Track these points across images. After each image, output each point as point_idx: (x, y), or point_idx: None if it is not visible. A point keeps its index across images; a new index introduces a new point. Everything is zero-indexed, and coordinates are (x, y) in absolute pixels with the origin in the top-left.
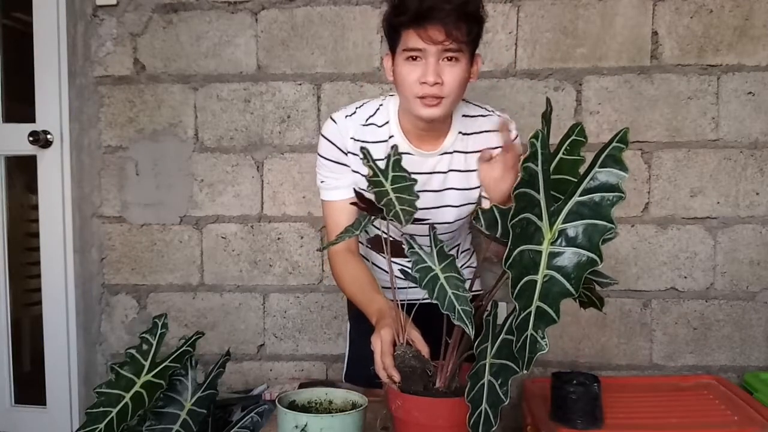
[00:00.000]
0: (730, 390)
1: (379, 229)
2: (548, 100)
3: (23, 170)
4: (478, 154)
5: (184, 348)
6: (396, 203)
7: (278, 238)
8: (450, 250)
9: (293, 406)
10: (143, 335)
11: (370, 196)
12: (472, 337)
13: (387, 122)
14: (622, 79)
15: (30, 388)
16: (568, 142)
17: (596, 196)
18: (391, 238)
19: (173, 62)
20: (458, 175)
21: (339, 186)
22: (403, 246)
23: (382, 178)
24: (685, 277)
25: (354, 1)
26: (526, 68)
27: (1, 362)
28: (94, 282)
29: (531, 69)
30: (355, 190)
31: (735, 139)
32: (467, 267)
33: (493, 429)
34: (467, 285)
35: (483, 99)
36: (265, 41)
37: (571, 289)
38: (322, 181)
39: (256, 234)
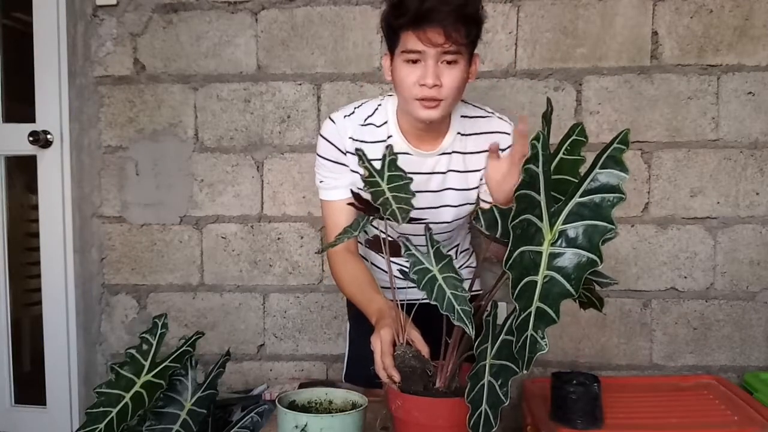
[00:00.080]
0: (730, 390)
1: (377, 228)
2: (549, 101)
3: (23, 170)
4: (483, 155)
5: (184, 348)
6: (392, 202)
7: (278, 238)
8: (449, 250)
9: (293, 406)
10: (143, 335)
11: (368, 196)
12: (473, 336)
13: (385, 122)
14: (622, 79)
15: (30, 388)
16: (568, 142)
17: (597, 197)
18: (389, 238)
19: (173, 62)
20: (457, 175)
21: (338, 186)
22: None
23: (378, 178)
24: (685, 277)
25: (354, 1)
26: (526, 68)
27: (1, 362)
28: (94, 282)
29: (531, 69)
30: (351, 191)
31: (735, 139)
32: (466, 267)
33: (493, 429)
34: (467, 285)
35: (483, 99)
36: (265, 41)
37: (572, 290)
38: (321, 181)
39: (256, 234)
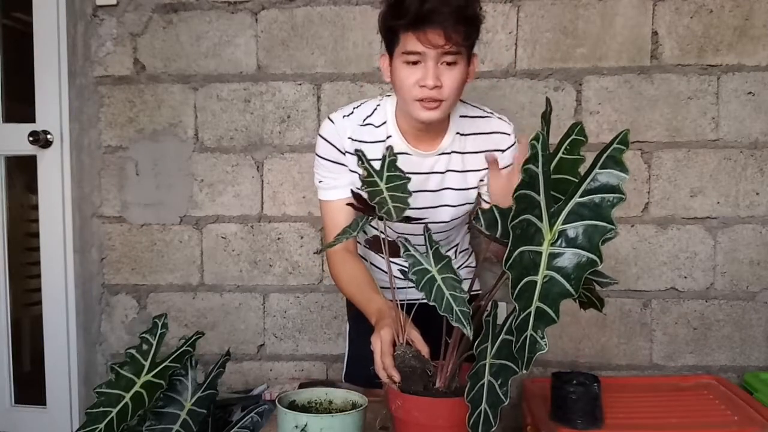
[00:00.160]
0: (730, 390)
1: (377, 229)
2: (548, 100)
3: (23, 170)
4: (481, 155)
5: (184, 348)
6: (389, 201)
7: (278, 238)
8: (448, 250)
9: (293, 406)
10: (143, 335)
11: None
12: (471, 338)
13: (384, 122)
14: (622, 79)
15: (30, 388)
16: (568, 142)
17: (596, 197)
18: (389, 238)
19: (173, 62)
20: (456, 175)
21: (337, 186)
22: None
23: (377, 178)
24: (685, 277)
25: (354, 1)
26: (526, 68)
27: (1, 362)
28: (94, 282)
29: (531, 69)
30: (352, 191)
31: (735, 139)
32: (465, 267)
33: (493, 429)
34: (466, 285)
35: (483, 99)
36: (265, 41)
37: (571, 290)
38: (320, 181)
39: (256, 234)
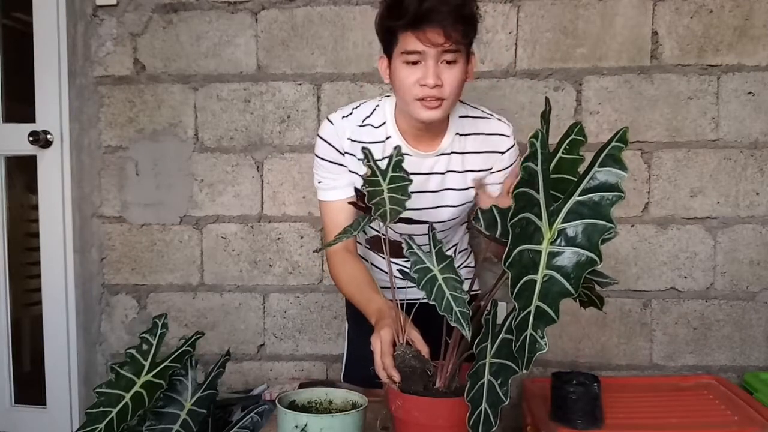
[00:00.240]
0: (730, 390)
1: (376, 230)
2: (547, 100)
3: (23, 170)
4: (481, 155)
5: (184, 348)
6: (387, 202)
7: (278, 238)
8: (447, 250)
9: (293, 406)
10: (143, 335)
11: None
12: (469, 339)
13: (384, 123)
14: (622, 79)
15: (30, 388)
16: (567, 142)
17: (595, 196)
18: (390, 238)
19: (173, 62)
20: (456, 175)
21: (336, 186)
22: (403, 246)
23: (380, 178)
24: (685, 277)
25: (354, 1)
26: (526, 68)
27: (1, 362)
28: (94, 282)
29: (531, 69)
30: (355, 188)
31: (735, 139)
32: (465, 267)
33: (493, 429)
34: (466, 285)
35: (483, 99)
36: (265, 41)
37: (571, 289)
38: (319, 182)
39: (256, 234)
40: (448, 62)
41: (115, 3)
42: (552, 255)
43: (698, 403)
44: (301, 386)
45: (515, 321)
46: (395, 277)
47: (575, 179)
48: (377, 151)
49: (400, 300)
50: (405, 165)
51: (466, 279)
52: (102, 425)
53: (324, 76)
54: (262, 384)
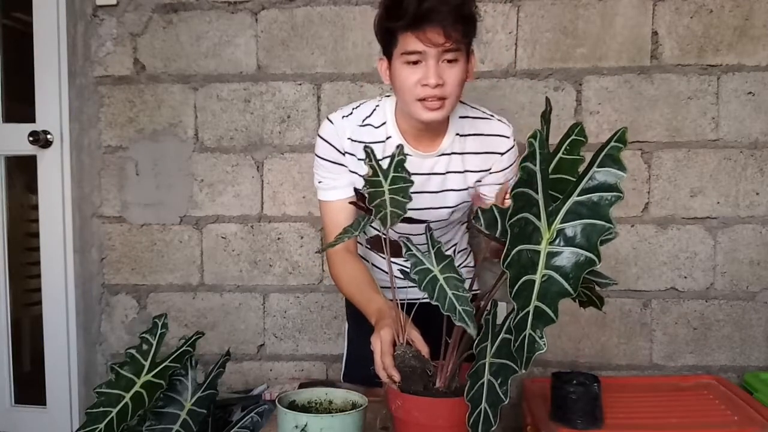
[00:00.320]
0: (730, 390)
1: (377, 230)
2: (548, 100)
3: (23, 170)
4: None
5: (184, 348)
6: (388, 204)
7: (278, 238)
8: (447, 249)
9: (293, 406)
10: (143, 335)
11: None
12: (475, 336)
13: (384, 123)
14: (622, 79)
15: (30, 388)
16: (567, 142)
17: (594, 196)
18: (390, 238)
19: (173, 62)
20: (456, 176)
21: (336, 186)
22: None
23: (381, 178)
24: (685, 277)
25: (354, 1)
26: (526, 68)
27: (1, 362)
28: (94, 282)
29: (531, 69)
30: (355, 189)
31: (735, 139)
32: (464, 266)
33: (493, 428)
34: (466, 285)
35: (483, 99)
36: (265, 41)
37: (570, 289)
38: (319, 182)
39: (256, 234)
40: (449, 61)
41: (115, 3)
42: (551, 255)
43: (698, 403)
44: (301, 386)
45: (514, 321)
46: (395, 277)
47: (575, 180)
48: (377, 151)
49: (401, 300)
50: (406, 165)
51: (465, 279)
52: (102, 425)
53: (324, 76)
54: (262, 384)
